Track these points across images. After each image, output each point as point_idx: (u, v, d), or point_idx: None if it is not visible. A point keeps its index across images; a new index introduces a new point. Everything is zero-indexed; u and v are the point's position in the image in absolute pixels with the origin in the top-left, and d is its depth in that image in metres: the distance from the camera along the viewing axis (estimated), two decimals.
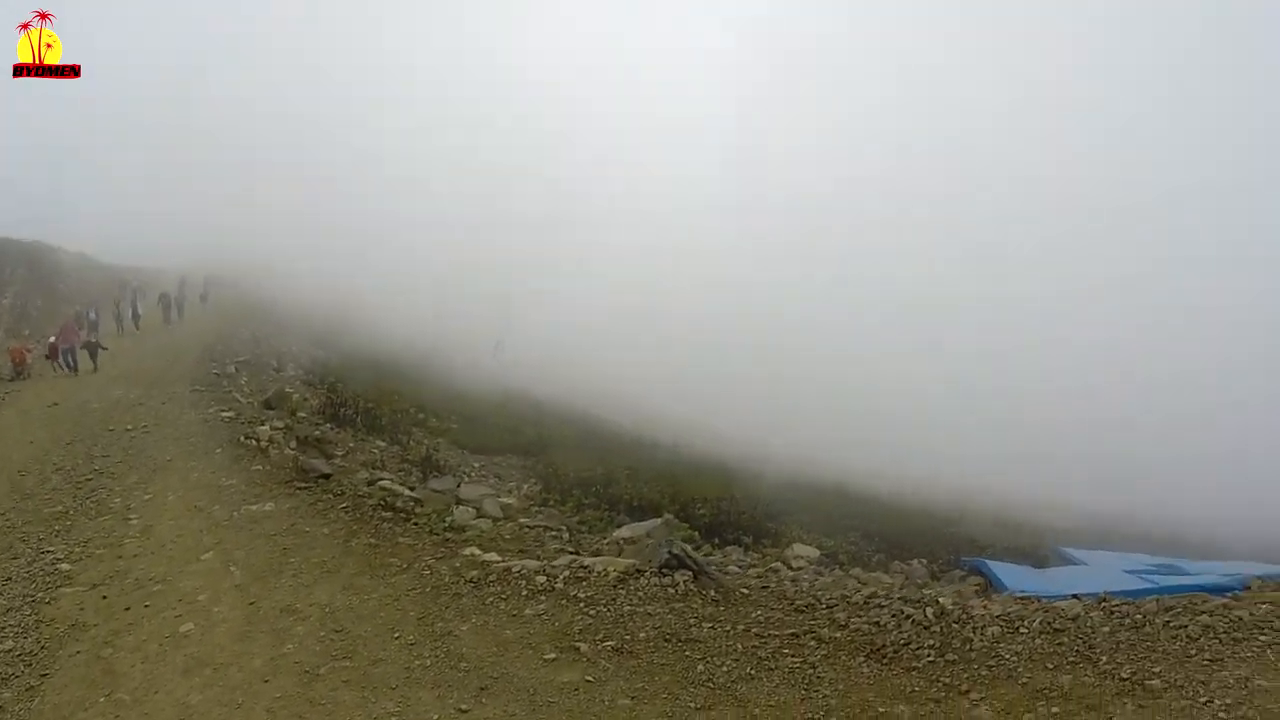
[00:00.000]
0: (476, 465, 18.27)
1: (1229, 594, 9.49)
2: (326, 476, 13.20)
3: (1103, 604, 8.40)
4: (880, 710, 6.73)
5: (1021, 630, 7.68)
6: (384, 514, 11.58)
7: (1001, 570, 13.94)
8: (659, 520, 12.91)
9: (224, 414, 17.44)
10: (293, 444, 15.24)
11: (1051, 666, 7.10)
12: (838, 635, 7.91)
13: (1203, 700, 6.34)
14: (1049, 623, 7.78)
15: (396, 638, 8.16)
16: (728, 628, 8.15)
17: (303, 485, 12.81)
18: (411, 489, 13.28)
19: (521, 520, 12.83)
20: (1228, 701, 6.27)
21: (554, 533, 12.23)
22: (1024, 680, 6.94)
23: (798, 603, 8.76)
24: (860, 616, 8.22)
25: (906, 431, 29.03)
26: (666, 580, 8.99)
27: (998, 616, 7.91)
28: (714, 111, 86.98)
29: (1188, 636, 7.32)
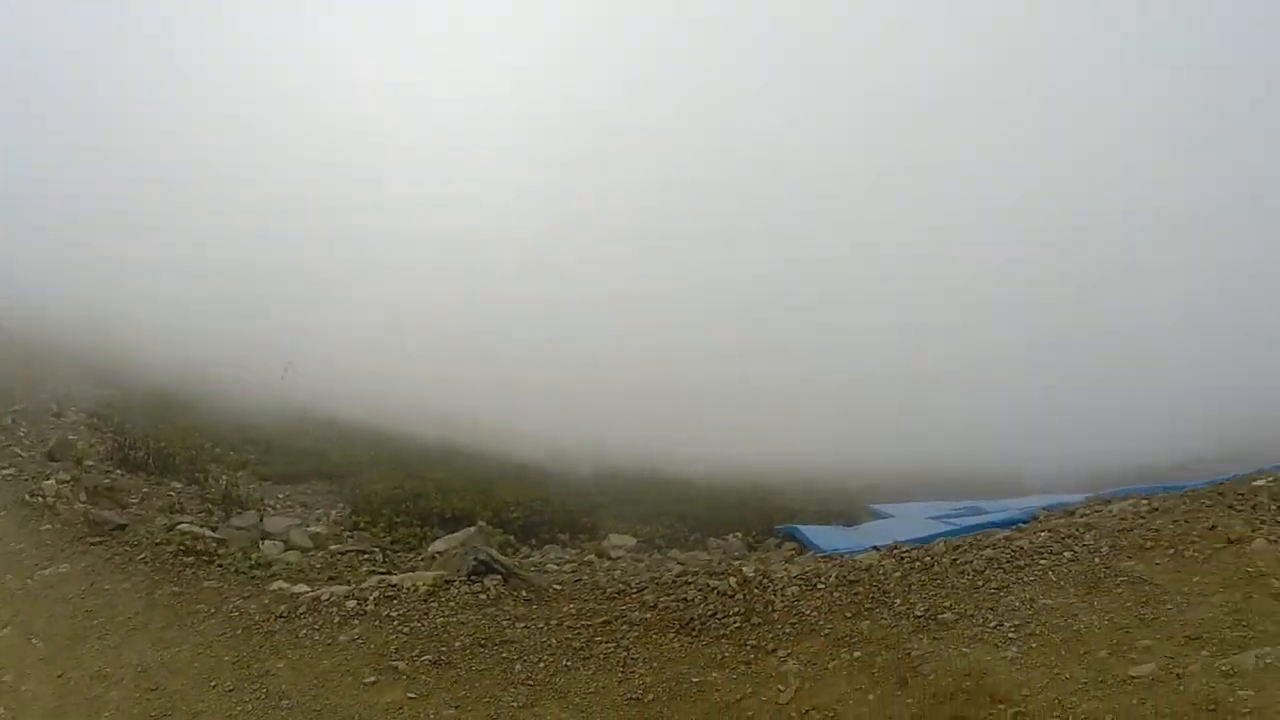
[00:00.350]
0: (281, 496, 17.40)
1: (1016, 526, 10.45)
2: (122, 527, 12.39)
3: (894, 551, 9.08)
4: (694, 680, 7.02)
5: (819, 586, 8.18)
6: (186, 559, 10.99)
7: (813, 533, 14.62)
8: (473, 529, 12.92)
9: (4, 471, 16.10)
10: (82, 496, 14.20)
11: (850, 615, 7.58)
12: (648, 616, 8.16)
13: (992, 625, 6.91)
14: (844, 576, 8.32)
15: (214, 686, 7.84)
16: (541, 624, 8.28)
17: (97, 540, 11.97)
18: (214, 529, 12.67)
19: (332, 547, 12.45)
20: (1015, 623, 6.86)
21: (367, 555, 11.96)
22: (826, 631, 7.38)
23: (609, 591, 9.00)
24: (669, 595, 8.51)
25: (718, 413, 29.62)
26: (477, 587, 9.03)
27: (796, 576, 8.40)
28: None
29: (974, 570, 8.00)
